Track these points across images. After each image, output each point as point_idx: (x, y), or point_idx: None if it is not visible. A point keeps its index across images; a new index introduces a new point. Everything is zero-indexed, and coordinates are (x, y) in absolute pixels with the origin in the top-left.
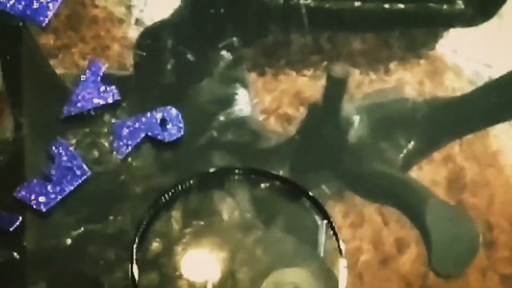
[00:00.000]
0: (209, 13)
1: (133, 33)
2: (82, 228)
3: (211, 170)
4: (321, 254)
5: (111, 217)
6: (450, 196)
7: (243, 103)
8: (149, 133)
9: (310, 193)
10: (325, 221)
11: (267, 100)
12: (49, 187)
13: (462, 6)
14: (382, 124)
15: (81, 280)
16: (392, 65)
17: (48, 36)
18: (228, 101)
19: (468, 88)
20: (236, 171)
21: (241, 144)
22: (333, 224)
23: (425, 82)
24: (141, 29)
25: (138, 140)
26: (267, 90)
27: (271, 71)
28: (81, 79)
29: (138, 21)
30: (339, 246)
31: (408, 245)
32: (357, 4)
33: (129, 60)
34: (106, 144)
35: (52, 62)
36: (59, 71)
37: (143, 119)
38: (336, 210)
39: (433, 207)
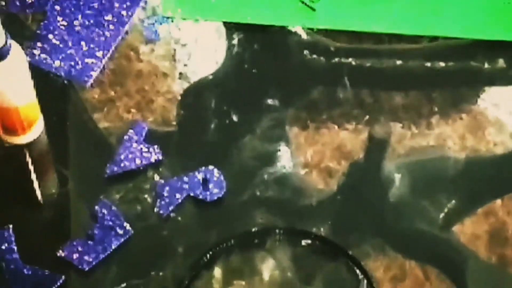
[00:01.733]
0: (252, 72)
1: (177, 87)
2: (125, 284)
3: (252, 230)
4: None
5: (153, 273)
6: (491, 250)
7: (285, 159)
8: (191, 193)
9: (350, 252)
10: (365, 280)
11: (309, 154)
12: (91, 246)
13: (504, 65)
14: (423, 183)
15: None
16: (434, 120)
17: (93, 90)
18: (270, 158)
19: (509, 142)
20: (277, 231)
21: (282, 201)
22: (372, 283)
23: (467, 137)
24: (185, 83)
25: (180, 200)
26: (309, 144)
27: (313, 125)
28: (125, 138)
29: (182, 75)
30: None
31: None
32: (398, 62)
33: (173, 114)
34: (149, 200)
35: (96, 116)
36: (103, 124)
37: (185, 179)
38: (378, 264)
39: (474, 267)
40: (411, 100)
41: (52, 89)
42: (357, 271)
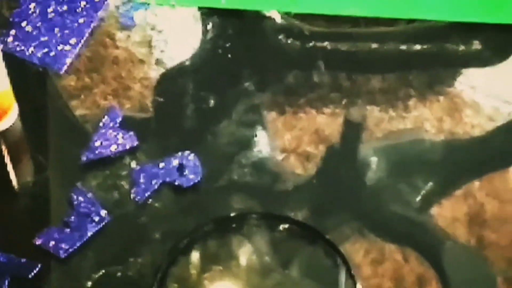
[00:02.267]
0: (228, 57)
1: (154, 73)
2: (103, 271)
3: (229, 215)
4: None
5: (131, 260)
6: (470, 232)
7: (262, 144)
8: (167, 179)
9: (327, 236)
10: (343, 264)
11: (287, 139)
12: (67, 234)
13: (479, 47)
14: (400, 166)
15: None
16: (411, 102)
17: (69, 78)
18: (247, 143)
19: (487, 125)
20: (254, 215)
21: (260, 186)
22: (350, 267)
23: (444, 119)
24: (162, 69)
25: (156, 187)
26: (287, 129)
27: (291, 110)
28: (100, 125)
29: (158, 61)
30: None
31: (429, 282)
32: (374, 46)
33: (150, 101)
34: (126, 186)
35: (73, 103)
36: (80, 112)
37: (161, 164)
38: (356, 247)
39: (450, 250)
40: (388, 83)
41: (26, 77)
42: (335, 255)
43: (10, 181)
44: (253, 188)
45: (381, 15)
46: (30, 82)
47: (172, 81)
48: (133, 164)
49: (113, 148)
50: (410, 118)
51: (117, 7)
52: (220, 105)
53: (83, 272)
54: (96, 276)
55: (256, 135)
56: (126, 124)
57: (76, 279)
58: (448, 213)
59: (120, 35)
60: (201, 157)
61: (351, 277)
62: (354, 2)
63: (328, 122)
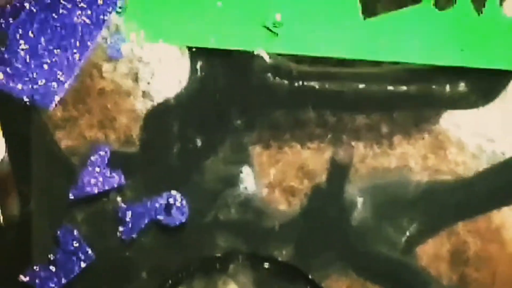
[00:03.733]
0: (215, 95)
1: (140, 105)
2: None
3: (215, 255)
4: None
5: None
6: (453, 270)
7: (248, 181)
8: (154, 218)
9: (310, 276)
10: None
11: (272, 173)
12: (53, 272)
13: (465, 89)
14: (385, 207)
15: None
16: (396, 139)
17: (55, 109)
18: (232, 180)
19: (471, 163)
20: (240, 256)
21: (245, 224)
22: None
23: (429, 156)
24: (148, 101)
25: (143, 226)
26: (272, 163)
27: (276, 144)
28: (88, 164)
29: (145, 94)
30: None
31: None
32: (361, 86)
33: (136, 133)
34: (112, 223)
35: (58, 134)
36: (65, 143)
37: (148, 204)
38: (339, 285)
39: None
40: (373, 121)
41: (14, 112)
42: None
43: None
44: (238, 226)
45: (366, 57)
46: (16, 115)
47: (159, 117)
48: (120, 201)
49: (100, 186)
50: (395, 155)
51: (105, 39)
52: (206, 143)
53: None
54: None
55: (241, 172)
56: (113, 160)
57: None
58: (431, 250)
59: (106, 66)
60: (187, 194)
61: None
62: (338, 44)
63: (313, 157)
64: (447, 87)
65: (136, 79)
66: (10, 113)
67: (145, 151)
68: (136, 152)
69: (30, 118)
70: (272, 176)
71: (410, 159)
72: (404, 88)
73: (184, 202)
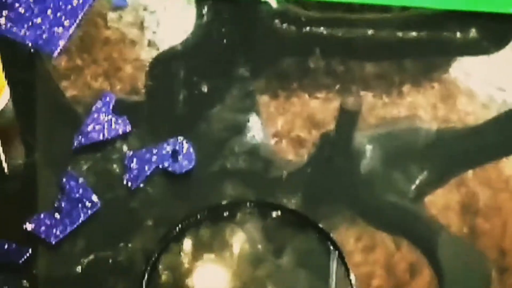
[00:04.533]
0: (222, 42)
1: (146, 55)
2: (93, 256)
3: (222, 202)
4: (333, 283)
5: (121, 245)
6: (462, 221)
7: (255, 129)
8: (160, 165)
9: (320, 224)
10: (336, 252)
11: (279, 123)
12: (58, 220)
13: (476, 36)
14: (395, 155)
15: None
16: (405, 88)
17: (60, 58)
18: (240, 129)
19: (481, 112)
20: (247, 203)
21: (253, 173)
22: (343, 255)
23: (438, 106)
24: (154, 51)
25: (148, 173)
26: (280, 113)
27: (283, 94)
28: (93, 109)
29: (150, 43)
30: (349, 278)
31: (420, 271)
32: (370, 32)
33: (142, 82)
34: (117, 171)
35: (64, 84)
36: (70, 93)
37: (154, 150)
38: (348, 234)
39: (444, 242)
40: (382, 69)
41: (18, 58)
42: (328, 242)
43: (0, 164)
44: (246, 175)
45: (376, 1)
46: (20, 63)
47: (165, 65)
48: (125, 149)
49: (106, 132)
50: (404, 105)
51: None
52: (213, 91)
53: (73, 257)
54: (86, 261)
55: (249, 120)
56: (118, 108)
57: (65, 264)
58: (440, 202)
59: (111, 15)
60: (194, 143)
61: (344, 265)
62: None
63: (321, 107)
64: (458, 34)
65: (141, 28)
66: (14, 59)
67: (151, 99)
68: (141, 100)
69: (34, 65)
70: (280, 126)
71: (419, 108)
72: (414, 34)
73: (191, 149)
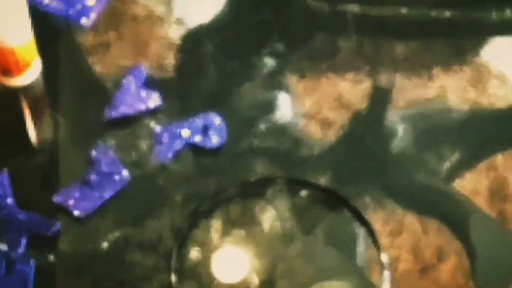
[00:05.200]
0: (253, 18)
1: (173, 32)
2: (120, 232)
3: (253, 179)
4: (360, 263)
5: (149, 221)
6: (491, 206)
7: (285, 108)
8: (191, 140)
9: (350, 203)
10: (365, 231)
11: (307, 104)
12: (87, 193)
13: (511, 15)
14: (427, 135)
15: (117, 286)
16: (435, 71)
17: (87, 34)
18: (269, 107)
19: None
20: (278, 180)
21: (282, 151)
22: (374, 235)
23: (468, 89)
24: (181, 28)
25: (179, 147)
26: (308, 94)
27: (312, 74)
28: (124, 83)
29: (178, 21)
30: (380, 257)
31: (448, 255)
32: (403, 11)
33: (169, 60)
34: (146, 147)
35: (90, 60)
36: (98, 69)
37: (185, 125)
38: (375, 218)
39: (477, 221)
40: (412, 50)
41: (47, 31)
42: (358, 222)
43: (30, 138)
44: (275, 153)
45: None
46: (50, 36)
47: (194, 41)
48: (153, 124)
49: (136, 107)
50: (434, 87)
51: None
52: (242, 69)
53: (100, 232)
54: (113, 237)
55: (278, 99)
56: (148, 84)
57: (92, 240)
58: (469, 187)
59: None
60: (223, 119)
61: (375, 245)
62: None
63: (350, 88)
64: (494, 13)
65: (169, 5)
66: (45, 33)
67: (180, 76)
68: (170, 77)
69: (64, 39)
70: (308, 106)
71: (449, 91)
72: (448, 14)
73: (223, 124)
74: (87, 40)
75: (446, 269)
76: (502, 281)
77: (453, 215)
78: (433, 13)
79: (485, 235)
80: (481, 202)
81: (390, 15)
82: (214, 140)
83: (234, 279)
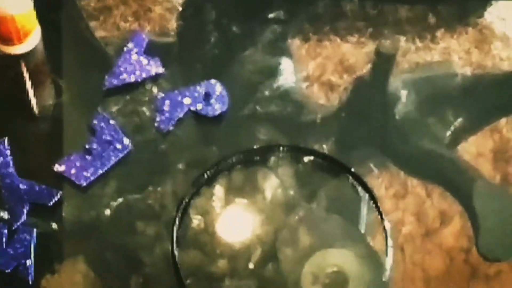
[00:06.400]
0: None
1: None
2: (122, 199)
3: (255, 147)
4: (363, 228)
5: (151, 189)
6: (496, 168)
7: (288, 73)
8: (192, 108)
9: (352, 169)
10: (368, 197)
11: (310, 67)
12: (89, 161)
13: None
14: (430, 100)
15: (119, 255)
16: (439, 33)
17: None
18: (271, 72)
19: None
20: (280, 148)
21: (285, 116)
22: (377, 202)
23: (472, 51)
24: None
25: (181, 115)
26: (311, 57)
27: (315, 37)
28: (124, 50)
29: None
30: (383, 225)
31: (451, 218)
32: None
33: (171, 24)
34: (148, 113)
35: (93, 24)
36: (100, 33)
37: (187, 93)
38: (379, 181)
39: (481, 188)
40: (415, 13)
41: None
42: (360, 188)
43: (31, 105)
44: (278, 119)
45: None
46: (51, 3)
47: (196, 6)
48: (155, 91)
49: (137, 74)
50: (438, 49)
51: None
52: (245, 34)
53: (102, 200)
54: (115, 204)
55: (280, 64)
56: (149, 49)
57: (94, 207)
58: (473, 149)
59: None
60: (225, 86)
61: (378, 211)
62: None
63: (353, 51)
64: None
65: None
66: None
67: (182, 41)
68: (172, 42)
69: (64, 5)
70: (311, 70)
71: (453, 53)
72: None
73: (224, 91)
74: (89, 4)
75: (450, 233)
76: (505, 249)
77: (457, 182)
78: None
79: (489, 204)
80: (485, 164)
81: None
82: (216, 107)
83: (237, 247)
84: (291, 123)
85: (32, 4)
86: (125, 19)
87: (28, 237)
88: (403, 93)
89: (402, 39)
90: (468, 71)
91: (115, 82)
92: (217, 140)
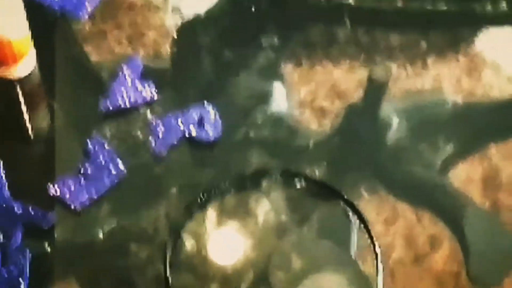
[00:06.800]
0: (249, 9)
1: (170, 21)
2: (116, 223)
3: (248, 172)
4: (354, 252)
5: (145, 213)
6: (485, 195)
7: (280, 98)
8: (186, 132)
9: (344, 194)
10: (359, 223)
11: (303, 92)
12: (83, 185)
13: (506, 9)
14: (421, 126)
15: (112, 277)
16: (430, 60)
17: (84, 22)
18: (265, 96)
19: (506, 86)
20: (273, 172)
21: (277, 141)
22: (368, 226)
23: (463, 79)
24: (178, 17)
25: (175, 139)
26: (303, 82)
27: (307, 62)
28: (119, 74)
29: (174, 9)
30: (374, 250)
31: (441, 243)
32: (399, 4)
33: (165, 49)
34: (141, 137)
35: (87, 48)
36: (94, 58)
37: (181, 117)
38: (369, 206)
39: (471, 215)
40: (407, 40)
41: (44, 22)
42: (351, 213)
43: (25, 128)
44: (270, 144)
45: None
46: (46, 28)
47: (190, 31)
48: (149, 115)
49: (132, 98)
50: (429, 77)
51: None
52: (238, 59)
53: (96, 223)
54: (109, 227)
55: (273, 89)
56: (143, 74)
57: (88, 230)
58: (462, 176)
59: None
60: (218, 110)
61: (369, 236)
62: None
63: (345, 77)
64: (489, 6)
65: None
66: (40, 24)
67: (176, 66)
68: (166, 67)
69: (59, 30)
70: (303, 95)
71: (444, 81)
72: (444, 7)
73: (217, 116)
74: (83, 28)
75: (440, 257)
76: (495, 275)
77: (447, 208)
78: (429, 7)
79: (479, 229)
80: (475, 191)
81: (385, 8)
82: (210, 132)
83: (229, 271)
84: (284, 148)
85: (28, 29)
86: (119, 43)
87: (22, 259)
88: (395, 120)
89: (394, 65)
90: (458, 98)
91: (110, 106)
92: (210, 165)
